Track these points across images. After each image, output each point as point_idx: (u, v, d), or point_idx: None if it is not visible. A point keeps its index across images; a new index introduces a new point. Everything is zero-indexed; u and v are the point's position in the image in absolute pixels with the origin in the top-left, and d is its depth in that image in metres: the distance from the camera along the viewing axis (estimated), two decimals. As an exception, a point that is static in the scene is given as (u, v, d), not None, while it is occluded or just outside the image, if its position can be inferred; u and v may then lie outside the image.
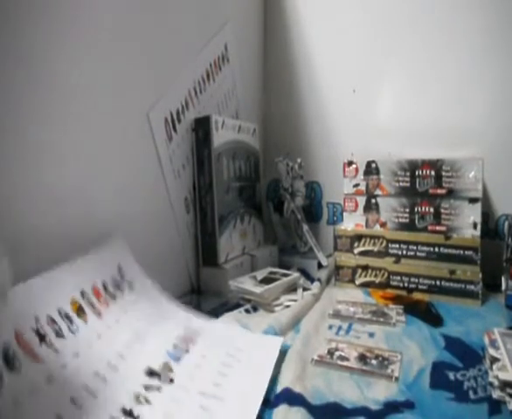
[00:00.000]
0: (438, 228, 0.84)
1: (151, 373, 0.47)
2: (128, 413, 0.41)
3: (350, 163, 0.93)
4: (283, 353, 0.56)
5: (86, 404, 0.39)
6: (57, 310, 0.45)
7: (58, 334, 0.43)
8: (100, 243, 0.58)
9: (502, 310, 0.76)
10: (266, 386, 0.48)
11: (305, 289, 0.84)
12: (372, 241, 0.88)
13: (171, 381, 0.47)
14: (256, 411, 0.43)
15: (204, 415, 0.43)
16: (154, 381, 0.46)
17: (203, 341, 0.56)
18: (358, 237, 0.90)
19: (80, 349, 0.44)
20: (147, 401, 0.43)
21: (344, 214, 0.94)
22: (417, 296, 0.83)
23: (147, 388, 0.45)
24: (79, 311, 0.48)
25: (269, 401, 0.47)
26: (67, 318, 0.46)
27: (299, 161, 1.03)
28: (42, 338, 0.41)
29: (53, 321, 0.44)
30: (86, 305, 0.50)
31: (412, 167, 0.87)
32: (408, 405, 0.48)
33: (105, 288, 0.54)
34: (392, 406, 0.47)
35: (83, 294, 0.50)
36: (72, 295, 0.48)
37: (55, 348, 0.42)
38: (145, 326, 0.55)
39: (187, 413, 0.43)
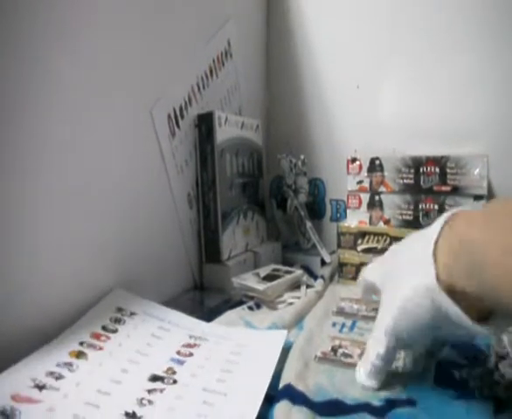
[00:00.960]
0: (442, 225, 0.84)
1: (154, 378, 0.47)
2: (131, 415, 0.41)
3: (354, 160, 0.92)
4: (286, 350, 0.56)
5: (88, 416, 0.40)
6: (55, 364, 0.46)
7: (58, 378, 0.44)
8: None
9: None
10: (269, 380, 0.47)
11: (308, 286, 0.84)
12: (376, 238, 0.88)
13: (175, 382, 0.47)
14: (258, 405, 0.43)
15: (207, 409, 0.43)
16: (157, 385, 0.46)
17: (207, 345, 0.56)
18: (362, 234, 0.89)
19: (81, 379, 0.45)
20: (150, 402, 0.43)
21: (348, 211, 0.93)
22: (421, 293, 0.83)
23: (150, 391, 0.45)
24: (79, 354, 0.49)
25: (271, 397, 0.46)
26: (66, 364, 0.47)
27: (302, 157, 1.03)
28: (41, 388, 0.42)
29: (52, 373, 0.45)
30: (86, 348, 0.51)
31: (417, 164, 0.86)
32: (411, 402, 0.47)
33: (105, 329, 0.55)
34: (395, 402, 0.47)
35: (82, 343, 0.51)
36: (70, 349, 0.50)
37: (55, 388, 0.43)
38: (149, 342, 0.55)
39: (190, 407, 0.43)
